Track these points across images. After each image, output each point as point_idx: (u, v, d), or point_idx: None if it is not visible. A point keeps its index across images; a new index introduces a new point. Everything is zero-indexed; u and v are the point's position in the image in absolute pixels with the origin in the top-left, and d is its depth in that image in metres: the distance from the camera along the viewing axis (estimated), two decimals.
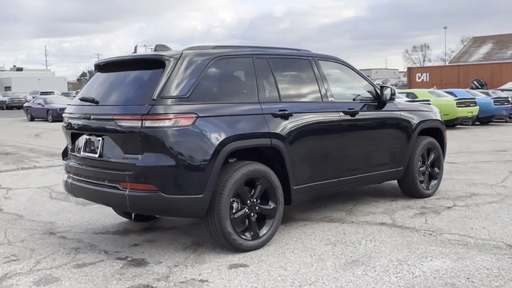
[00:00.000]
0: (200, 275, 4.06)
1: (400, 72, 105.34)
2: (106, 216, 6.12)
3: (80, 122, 4.77)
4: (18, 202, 7.03)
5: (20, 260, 4.53)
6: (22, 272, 4.22)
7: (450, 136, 9.45)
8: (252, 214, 4.63)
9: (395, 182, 6.74)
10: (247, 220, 4.63)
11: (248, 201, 4.59)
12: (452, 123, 17.78)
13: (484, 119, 20.06)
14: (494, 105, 19.61)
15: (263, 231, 4.71)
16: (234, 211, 4.50)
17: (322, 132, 5.27)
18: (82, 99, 4.81)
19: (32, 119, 28.87)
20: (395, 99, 6.12)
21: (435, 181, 6.82)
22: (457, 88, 26.39)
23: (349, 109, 5.56)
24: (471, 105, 18.42)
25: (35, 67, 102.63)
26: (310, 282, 3.86)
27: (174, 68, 4.35)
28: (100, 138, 4.54)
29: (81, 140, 4.82)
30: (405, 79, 44.12)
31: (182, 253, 4.62)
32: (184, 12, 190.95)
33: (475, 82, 27.47)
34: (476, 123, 20.05)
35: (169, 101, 4.22)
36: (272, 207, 4.77)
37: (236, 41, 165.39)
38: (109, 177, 4.39)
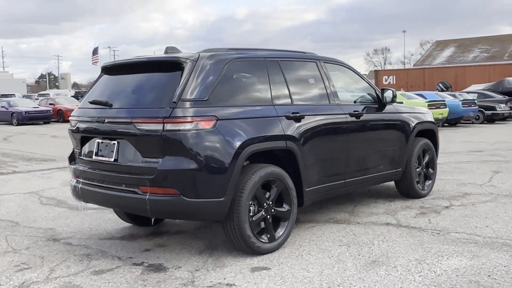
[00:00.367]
0: (225, 279, 4.03)
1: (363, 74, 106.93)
2: (106, 221, 6.00)
3: (92, 125, 4.66)
4: (8, 208, 6.80)
5: (32, 268, 4.39)
6: (38, 280, 4.09)
7: None
8: (268, 216, 4.63)
9: (389, 183, 6.86)
10: (263, 222, 4.62)
11: (265, 204, 4.59)
12: None
13: (453, 121, 20.65)
14: (462, 107, 20.21)
15: (279, 233, 4.72)
16: (251, 214, 4.49)
17: (331, 134, 5.32)
18: (93, 102, 4.69)
19: None
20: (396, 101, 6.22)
21: (430, 182, 6.98)
22: (423, 90, 27.05)
23: (354, 111, 5.64)
24: (441, 107, 18.94)
25: None
26: (337, 283, 3.89)
27: (192, 71, 4.30)
28: (115, 142, 4.45)
29: (92, 144, 4.71)
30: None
31: (198, 257, 4.58)
32: (145, 13, 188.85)
33: (440, 84, 28.20)
34: (445, 124, 20.60)
35: (189, 104, 4.17)
36: (286, 209, 4.78)
37: (199, 43, 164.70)
38: (127, 181, 4.30)
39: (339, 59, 5.99)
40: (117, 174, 4.41)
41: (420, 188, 6.76)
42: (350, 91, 6.15)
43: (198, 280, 4.00)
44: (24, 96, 45.54)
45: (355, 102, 5.96)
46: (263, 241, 4.57)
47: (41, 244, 5.12)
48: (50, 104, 30.62)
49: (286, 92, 5.00)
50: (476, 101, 21.55)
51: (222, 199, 4.23)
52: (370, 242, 4.88)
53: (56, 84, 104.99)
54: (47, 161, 11.80)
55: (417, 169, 6.69)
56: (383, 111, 6.12)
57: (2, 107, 28.16)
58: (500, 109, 22.20)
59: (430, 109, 18.12)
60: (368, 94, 6.15)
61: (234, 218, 4.35)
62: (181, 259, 4.53)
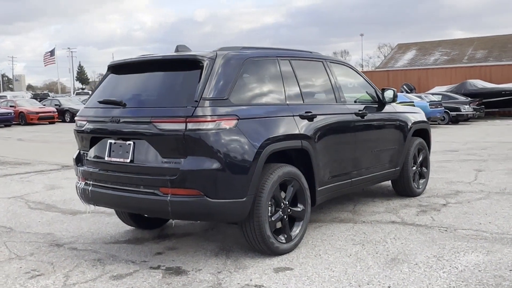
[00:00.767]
0: (251, 280, 3.96)
1: None
2: (105, 225, 5.83)
3: (105, 126, 4.50)
4: None
5: (45, 274, 4.20)
6: (56, 287, 3.92)
7: None
8: (285, 216, 4.60)
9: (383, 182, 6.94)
10: (279, 223, 4.58)
11: (282, 204, 4.55)
12: None
13: None
14: (430, 108, 20.70)
15: (294, 233, 4.69)
16: (269, 214, 4.44)
17: (340, 133, 5.34)
18: (105, 102, 4.53)
19: None
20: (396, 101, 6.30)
21: (423, 180, 7.10)
22: None
23: (359, 110, 5.67)
24: None
25: None
26: (365, 281, 3.89)
27: (212, 69, 4.22)
28: (131, 142, 4.32)
29: (104, 145, 4.55)
30: None
31: (216, 259, 4.49)
32: (102, 14, 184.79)
33: (404, 86, 28.78)
34: None
35: (211, 103, 4.09)
36: (301, 209, 4.75)
37: (158, 45, 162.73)
38: (145, 183, 4.18)
39: (341, 59, 6.01)
40: (133, 175, 4.27)
41: (416, 186, 6.87)
42: (353, 90, 6.18)
43: (225, 282, 3.92)
44: None
45: (355, 101, 5.99)
46: (281, 241, 4.53)
47: (45, 249, 4.92)
48: (11, 106, 29.61)
49: (298, 91, 4.98)
50: (442, 103, 22.13)
51: (244, 199, 4.17)
52: (383, 240, 4.91)
53: (10, 86, 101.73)
54: (21, 164, 11.40)
55: (413, 168, 6.79)
56: (383, 111, 6.18)
57: None
58: (464, 110, 22.88)
59: None
60: (368, 93, 6.20)
61: (255, 218, 4.29)
62: (199, 262, 4.43)
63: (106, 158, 4.49)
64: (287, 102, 4.79)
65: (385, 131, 6.21)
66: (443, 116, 22.31)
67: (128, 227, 5.65)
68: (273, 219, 4.45)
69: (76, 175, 4.90)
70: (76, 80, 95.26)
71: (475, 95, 25.33)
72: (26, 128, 26.41)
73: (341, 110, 5.40)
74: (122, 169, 4.36)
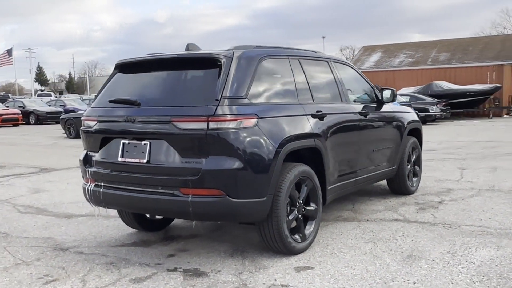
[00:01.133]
0: (275, 280, 3.93)
1: None
2: (105, 228, 5.69)
3: (118, 125, 4.37)
4: None
5: (60, 280, 4.06)
6: None
7: None
8: (299, 216, 4.59)
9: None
10: (294, 222, 4.57)
11: (297, 203, 4.54)
12: None
13: None
14: None
15: (308, 232, 4.68)
16: (286, 213, 4.43)
17: (347, 132, 5.37)
18: (117, 101, 4.41)
19: None
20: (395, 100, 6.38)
21: (416, 179, 7.23)
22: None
23: (362, 109, 5.73)
24: None
25: None
26: (389, 278, 3.92)
27: (230, 68, 4.17)
28: (147, 142, 4.22)
29: (116, 145, 4.43)
30: None
31: (232, 260, 4.44)
32: (60, 14, 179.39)
33: None
34: None
35: (232, 102, 4.05)
36: (314, 208, 4.75)
37: (118, 46, 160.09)
38: (164, 183, 4.09)
39: (343, 59, 6.05)
40: (151, 176, 4.17)
41: (410, 185, 6.98)
42: (354, 89, 6.22)
43: (250, 283, 3.88)
44: None
45: (354, 101, 6.04)
46: (297, 240, 4.52)
47: (50, 254, 4.75)
48: None
49: (308, 90, 4.98)
50: (411, 104, 22.59)
51: (264, 198, 4.14)
52: (393, 238, 4.97)
53: None
54: None
55: (408, 167, 6.90)
56: (381, 110, 6.26)
57: None
58: (432, 111, 23.43)
59: None
60: (366, 93, 6.26)
61: (273, 218, 4.27)
62: (215, 263, 4.37)
63: (119, 159, 4.37)
64: (299, 101, 4.78)
65: (385, 130, 6.28)
66: None
67: (131, 230, 5.53)
68: (289, 218, 4.44)
69: (84, 176, 4.75)
70: (35, 81, 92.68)
71: (441, 96, 25.99)
72: None
73: (347, 109, 5.44)
74: (138, 170, 4.25)
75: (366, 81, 6.31)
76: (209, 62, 4.26)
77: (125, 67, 4.78)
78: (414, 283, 3.81)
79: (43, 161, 12.02)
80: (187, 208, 3.99)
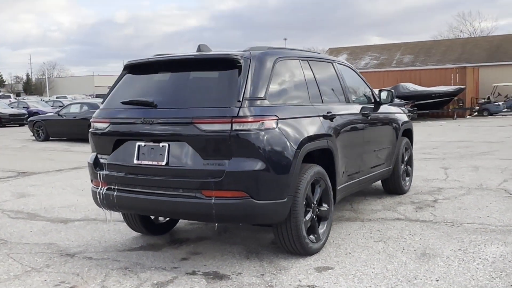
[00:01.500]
0: (300, 281, 3.94)
1: None
2: (106, 232, 5.57)
3: (134, 127, 4.28)
4: None
5: (78, 286, 3.94)
6: None
7: None
8: (314, 216, 4.61)
9: None
10: (309, 223, 4.59)
11: (312, 204, 4.56)
12: None
13: None
14: None
15: (321, 232, 4.71)
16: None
17: (353, 132, 5.43)
18: (130, 103, 4.32)
19: None
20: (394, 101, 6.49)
21: (408, 178, 7.37)
22: None
23: (364, 110, 5.80)
24: None
25: None
26: (412, 276, 3.98)
27: (249, 69, 4.15)
28: (165, 144, 4.15)
29: (130, 148, 4.34)
30: None
31: (250, 262, 4.41)
32: (15, 14, 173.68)
33: None
34: None
35: (253, 103, 4.03)
36: (327, 208, 4.78)
37: (77, 46, 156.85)
38: (185, 186, 4.03)
39: (344, 60, 6.12)
40: (170, 178, 4.11)
41: (404, 184, 7.10)
42: (354, 90, 6.28)
43: (276, 285, 3.87)
44: None
45: (353, 101, 6.11)
46: (313, 241, 4.53)
47: (58, 260, 4.61)
48: None
49: (318, 91, 5.01)
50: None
51: (285, 200, 4.14)
52: (401, 237, 5.04)
53: None
54: None
55: (402, 167, 7.03)
56: (379, 111, 6.35)
57: None
58: None
59: None
60: (367, 94, 6.34)
61: (292, 219, 4.27)
62: (233, 265, 4.34)
63: (135, 162, 4.28)
64: (311, 102, 4.80)
65: (383, 130, 6.38)
66: None
67: (134, 234, 5.42)
68: (306, 219, 4.45)
69: (94, 180, 4.63)
70: None
71: (408, 97, 26.56)
72: None
73: (351, 110, 5.51)
74: (155, 173, 4.18)
75: (364, 82, 6.39)
76: (227, 63, 4.23)
77: (135, 68, 4.69)
78: (437, 280, 3.88)
79: (18, 165, 11.64)
80: (210, 211, 3.94)
